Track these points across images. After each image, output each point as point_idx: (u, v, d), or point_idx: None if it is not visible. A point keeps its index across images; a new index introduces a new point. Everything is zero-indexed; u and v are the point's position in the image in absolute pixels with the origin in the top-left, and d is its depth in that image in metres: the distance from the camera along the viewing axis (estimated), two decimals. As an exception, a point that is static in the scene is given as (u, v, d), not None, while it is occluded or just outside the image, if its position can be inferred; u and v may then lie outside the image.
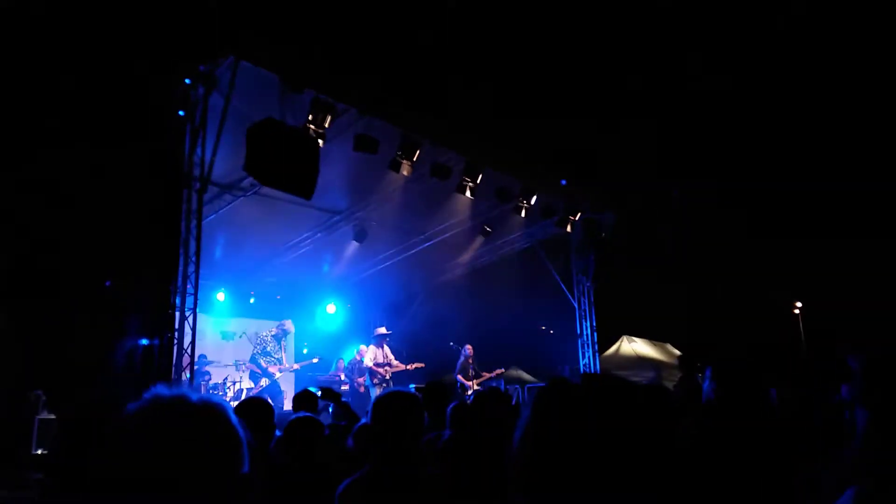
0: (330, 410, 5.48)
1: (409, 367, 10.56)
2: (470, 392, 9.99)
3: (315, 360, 10.98)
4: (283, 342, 10.58)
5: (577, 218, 11.16)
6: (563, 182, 10.30)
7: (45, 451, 6.64)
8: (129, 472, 0.99)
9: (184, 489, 0.98)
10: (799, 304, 22.51)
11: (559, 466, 0.90)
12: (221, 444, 1.05)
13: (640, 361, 15.92)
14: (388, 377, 10.38)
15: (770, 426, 1.92)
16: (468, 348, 10.84)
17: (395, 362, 10.55)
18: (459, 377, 10.76)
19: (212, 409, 1.06)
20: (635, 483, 0.87)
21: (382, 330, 10.92)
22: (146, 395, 1.06)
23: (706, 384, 2.35)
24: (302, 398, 5.41)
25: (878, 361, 1.63)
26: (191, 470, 1.00)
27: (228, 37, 6.87)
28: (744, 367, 2.28)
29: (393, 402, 2.30)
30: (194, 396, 1.08)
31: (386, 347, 10.71)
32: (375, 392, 10.25)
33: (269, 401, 3.89)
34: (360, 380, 10.73)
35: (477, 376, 10.70)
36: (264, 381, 9.99)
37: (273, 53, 7.22)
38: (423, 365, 10.73)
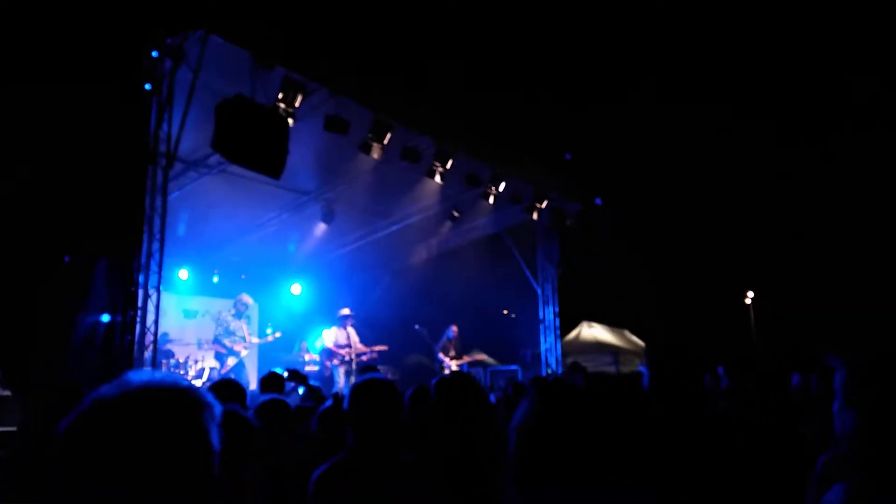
0: (300, 392, 5.50)
1: (372, 349, 10.59)
2: (447, 371, 10.15)
3: (278, 335, 10.86)
4: (244, 318, 10.45)
5: (543, 206, 11.31)
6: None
7: (2, 429, 6.49)
8: (107, 457, 0.96)
9: (163, 476, 0.97)
10: (751, 294, 23.32)
11: (557, 462, 0.93)
12: (200, 430, 1.03)
13: (599, 347, 16.29)
14: (348, 359, 10.36)
15: None
16: (453, 329, 11.06)
17: (358, 344, 10.54)
18: (441, 355, 10.96)
19: (190, 394, 1.05)
20: (631, 477, 0.92)
21: (346, 311, 10.89)
22: (120, 379, 1.03)
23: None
24: (269, 380, 5.43)
25: (866, 362, 1.67)
26: (170, 456, 0.98)
27: (198, 10, 6.70)
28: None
29: (371, 389, 2.34)
30: (171, 381, 1.06)
31: (350, 329, 10.67)
32: (339, 373, 10.26)
33: (240, 382, 3.89)
34: (328, 363, 10.74)
35: (457, 357, 10.91)
36: (231, 361, 9.88)
37: (244, 29, 7.06)
38: (386, 348, 10.77)
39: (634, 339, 17.02)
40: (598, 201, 11.30)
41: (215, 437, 1.03)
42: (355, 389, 2.37)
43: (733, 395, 4.38)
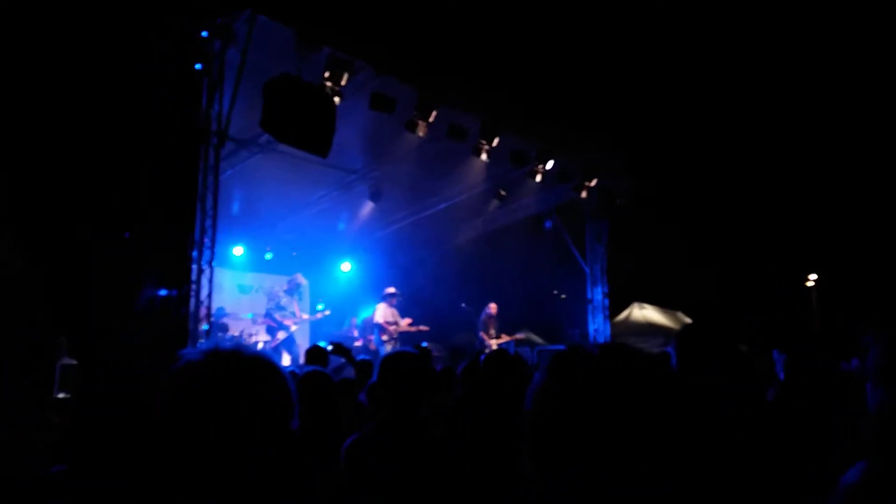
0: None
1: (414, 328, 10.67)
2: (487, 350, 10.13)
3: (327, 312, 11.12)
4: (295, 295, 10.71)
5: (592, 184, 11.08)
6: None
7: (67, 395, 6.88)
8: (187, 419, 1.00)
9: (239, 438, 1.00)
10: (814, 277, 22.31)
11: (573, 432, 0.91)
12: (277, 396, 1.07)
13: (650, 328, 15.96)
14: (396, 335, 10.51)
15: None
16: (491, 307, 11.00)
17: (401, 322, 10.67)
18: (482, 334, 10.97)
19: (267, 363, 1.09)
20: (647, 454, 0.89)
21: (391, 290, 11.02)
22: (202, 347, 1.09)
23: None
24: (313, 353, 5.56)
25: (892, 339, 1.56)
26: (247, 420, 1.01)
27: (246, -10, 6.80)
28: None
29: (400, 361, 2.36)
30: (249, 350, 1.10)
31: (394, 307, 10.82)
32: (386, 349, 10.41)
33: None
34: (371, 337, 10.90)
35: (497, 336, 10.89)
36: (281, 335, 10.17)
37: (290, 8, 7.14)
38: (427, 328, 10.84)
39: (688, 321, 16.57)
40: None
41: (294, 398, 1.08)
42: (384, 362, 2.40)
43: (785, 379, 4.22)
